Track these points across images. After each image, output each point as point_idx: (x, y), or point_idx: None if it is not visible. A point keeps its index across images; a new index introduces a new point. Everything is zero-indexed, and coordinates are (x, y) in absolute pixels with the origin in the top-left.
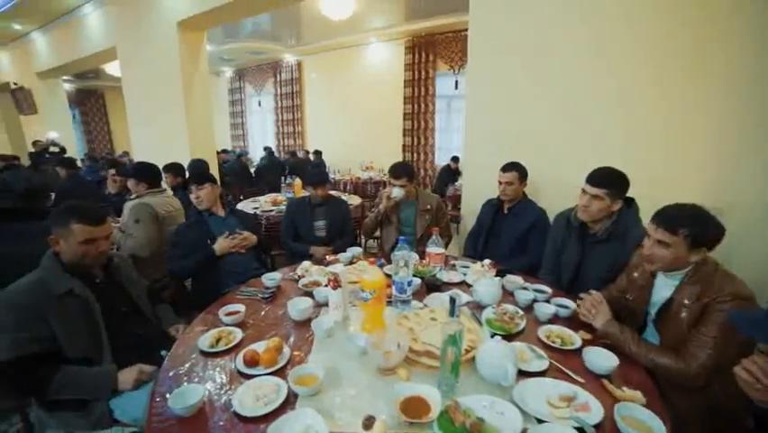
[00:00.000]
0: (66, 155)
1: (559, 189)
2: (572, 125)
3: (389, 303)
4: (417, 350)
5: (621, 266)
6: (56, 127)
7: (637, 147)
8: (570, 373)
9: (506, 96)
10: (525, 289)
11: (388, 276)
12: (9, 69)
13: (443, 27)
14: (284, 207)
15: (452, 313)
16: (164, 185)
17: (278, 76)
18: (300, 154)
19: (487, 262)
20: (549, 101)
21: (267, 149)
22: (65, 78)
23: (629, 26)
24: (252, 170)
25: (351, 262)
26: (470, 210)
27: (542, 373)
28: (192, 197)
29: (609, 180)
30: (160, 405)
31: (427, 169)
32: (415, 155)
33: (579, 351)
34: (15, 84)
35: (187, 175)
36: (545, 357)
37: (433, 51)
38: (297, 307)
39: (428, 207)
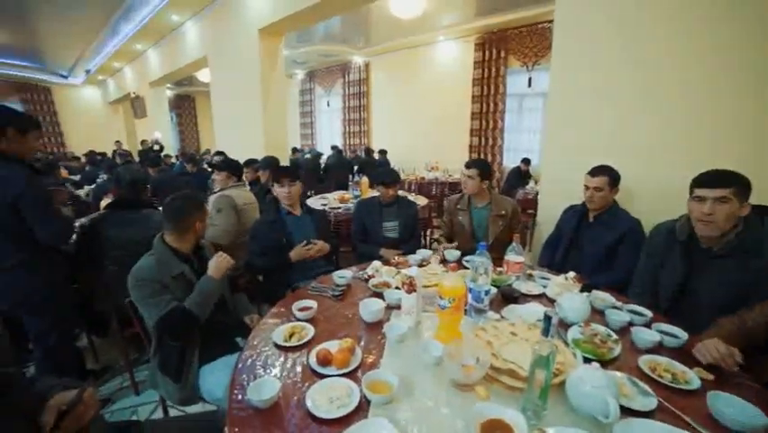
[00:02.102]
0: (163, 153)
1: (655, 198)
2: (671, 124)
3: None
4: (499, 367)
5: (751, 289)
6: (159, 128)
7: (755, 147)
8: (689, 420)
9: (593, 93)
10: (617, 309)
11: None
12: (131, 81)
13: (517, 21)
14: (351, 205)
15: (545, 332)
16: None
17: (346, 77)
18: (363, 153)
19: (571, 274)
20: (644, 98)
21: (335, 148)
22: (167, 86)
23: (735, 11)
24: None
25: (420, 265)
26: (547, 216)
27: (647, 414)
28: (283, 190)
29: (732, 178)
30: (240, 393)
31: (495, 170)
32: (482, 156)
33: (698, 393)
34: (134, 94)
35: (259, 170)
36: (652, 394)
37: (504, 47)
38: (370, 308)
39: (503, 212)
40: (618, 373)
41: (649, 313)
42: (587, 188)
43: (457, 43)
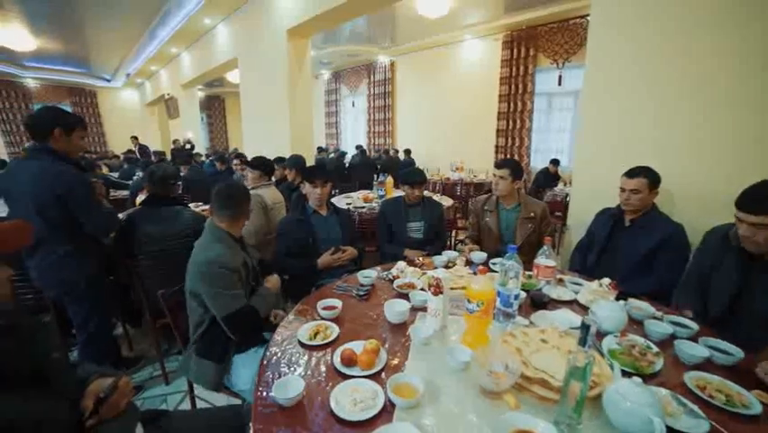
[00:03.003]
0: (194, 152)
1: (702, 202)
2: (718, 123)
3: None
4: (529, 376)
5: None
6: (190, 128)
7: None
8: None
9: (631, 90)
10: (657, 319)
11: None
12: (165, 83)
13: (548, 17)
14: (375, 205)
15: (582, 342)
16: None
17: (371, 77)
18: (390, 153)
19: (606, 281)
20: (689, 95)
21: (359, 147)
22: (199, 87)
23: None
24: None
25: (446, 267)
26: (578, 219)
27: None
28: (315, 191)
29: None
30: (265, 390)
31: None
32: (508, 157)
33: (759, 420)
34: (168, 95)
35: (286, 168)
36: (703, 416)
37: (533, 45)
38: (394, 309)
39: (531, 214)
40: (662, 390)
41: (695, 326)
42: (623, 190)
43: (484, 42)
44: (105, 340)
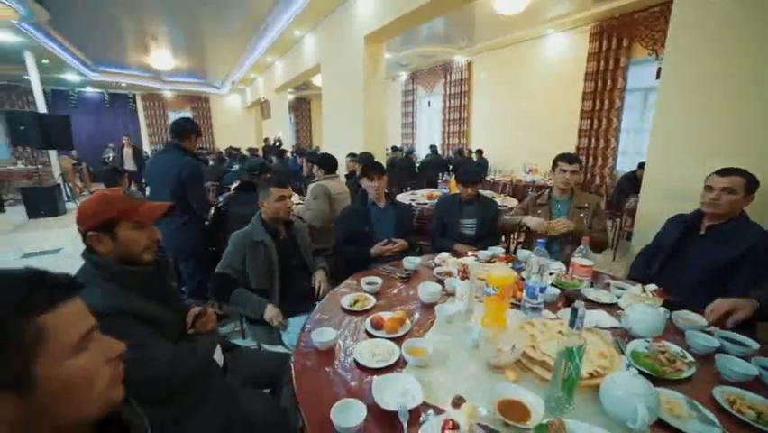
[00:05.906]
0: (281, 148)
1: None
2: None
3: (518, 306)
4: (533, 357)
5: None
6: (280, 127)
7: None
8: None
9: (722, 79)
10: (706, 332)
11: (523, 280)
12: (261, 88)
13: (646, 1)
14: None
15: (572, 324)
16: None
17: (447, 77)
18: (465, 153)
19: (651, 287)
20: None
21: (432, 147)
22: (288, 90)
23: None
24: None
25: (489, 261)
26: (647, 224)
27: None
28: (372, 184)
29: None
30: (306, 336)
31: (605, 176)
32: (591, 159)
33: None
34: (263, 99)
35: (356, 163)
36: (717, 425)
37: (628, 34)
38: (427, 290)
39: (585, 204)
40: (669, 391)
41: (754, 344)
42: (710, 189)
43: (568, 35)
44: (202, 295)
